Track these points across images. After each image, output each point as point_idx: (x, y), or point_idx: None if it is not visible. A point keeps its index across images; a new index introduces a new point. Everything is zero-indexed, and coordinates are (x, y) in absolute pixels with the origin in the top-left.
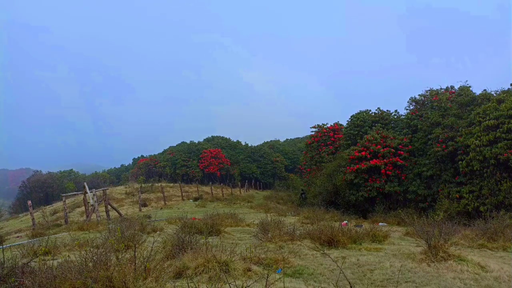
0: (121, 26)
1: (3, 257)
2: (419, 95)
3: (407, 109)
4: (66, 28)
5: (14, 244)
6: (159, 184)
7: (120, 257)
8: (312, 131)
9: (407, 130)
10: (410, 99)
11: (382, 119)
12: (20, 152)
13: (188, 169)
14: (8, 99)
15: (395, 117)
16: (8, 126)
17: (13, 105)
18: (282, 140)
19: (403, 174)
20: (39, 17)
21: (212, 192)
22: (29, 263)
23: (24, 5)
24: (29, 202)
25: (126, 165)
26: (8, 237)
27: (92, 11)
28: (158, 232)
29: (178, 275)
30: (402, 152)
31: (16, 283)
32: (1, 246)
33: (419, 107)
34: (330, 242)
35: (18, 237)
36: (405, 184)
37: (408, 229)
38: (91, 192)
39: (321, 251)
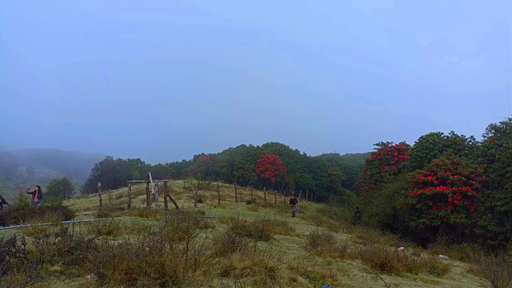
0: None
1: (73, 230)
2: (500, 122)
3: (484, 136)
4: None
5: (82, 221)
6: (216, 183)
7: (173, 246)
8: (374, 149)
9: (482, 159)
10: (489, 125)
11: (455, 144)
12: (98, 138)
13: (244, 172)
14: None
15: (470, 143)
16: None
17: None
18: (341, 154)
19: (473, 206)
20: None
21: (265, 198)
22: (93, 240)
23: None
24: (99, 184)
25: (187, 160)
26: (78, 213)
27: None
28: (210, 229)
29: (225, 273)
30: (474, 182)
31: (81, 256)
32: (71, 221)
33: (499, 135)
34: (383, 266)
35: (86, 214)
36: (474, 217)
37: (472, 266)
38: (154, 182)
39: (374, 274)
